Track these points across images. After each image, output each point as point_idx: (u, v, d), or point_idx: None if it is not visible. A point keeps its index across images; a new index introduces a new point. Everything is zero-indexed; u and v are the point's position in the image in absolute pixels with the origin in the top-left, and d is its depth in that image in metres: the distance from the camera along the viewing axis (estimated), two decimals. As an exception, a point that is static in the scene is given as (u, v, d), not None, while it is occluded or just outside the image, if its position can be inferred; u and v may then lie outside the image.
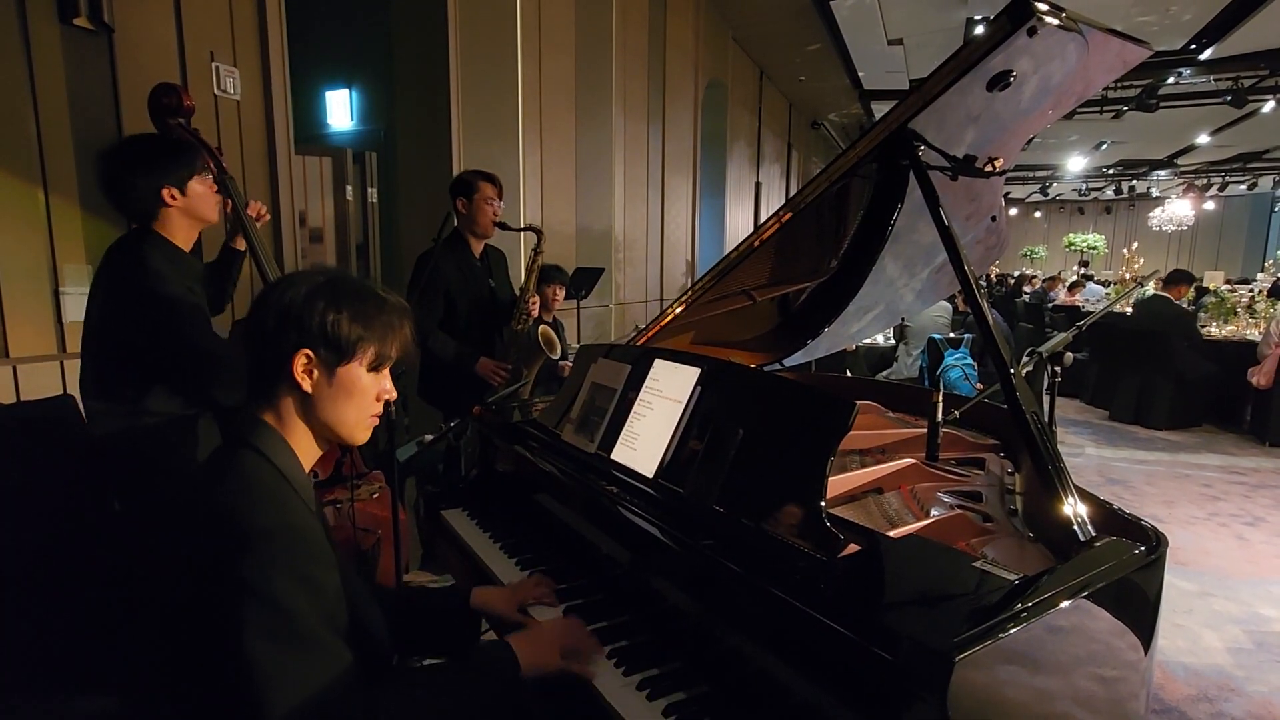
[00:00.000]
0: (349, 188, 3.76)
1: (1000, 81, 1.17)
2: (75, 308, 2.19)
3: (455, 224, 2.62)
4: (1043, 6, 1.07)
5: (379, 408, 0.99)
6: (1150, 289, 5.89)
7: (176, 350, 1.59)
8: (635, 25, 5.37)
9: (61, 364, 2.16)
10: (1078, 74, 1.33)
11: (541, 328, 2.68)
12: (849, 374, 4.34)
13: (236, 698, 0.80)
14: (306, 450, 0.96)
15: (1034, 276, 13.17)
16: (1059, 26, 1.10)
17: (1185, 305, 5.77)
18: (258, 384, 0.93)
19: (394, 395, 1.00)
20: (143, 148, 1.63)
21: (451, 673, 0.99)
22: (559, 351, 2.75)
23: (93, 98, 2.21)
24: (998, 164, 1.25)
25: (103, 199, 1.63)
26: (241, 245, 1.96)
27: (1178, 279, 5.70)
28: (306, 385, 0.91)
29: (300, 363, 0.90)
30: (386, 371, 0.98)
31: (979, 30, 6.70)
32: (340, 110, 4.42)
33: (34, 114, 2.06)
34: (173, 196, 1.62)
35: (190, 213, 1.66)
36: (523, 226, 2.77)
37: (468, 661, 1.02)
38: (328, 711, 0.79)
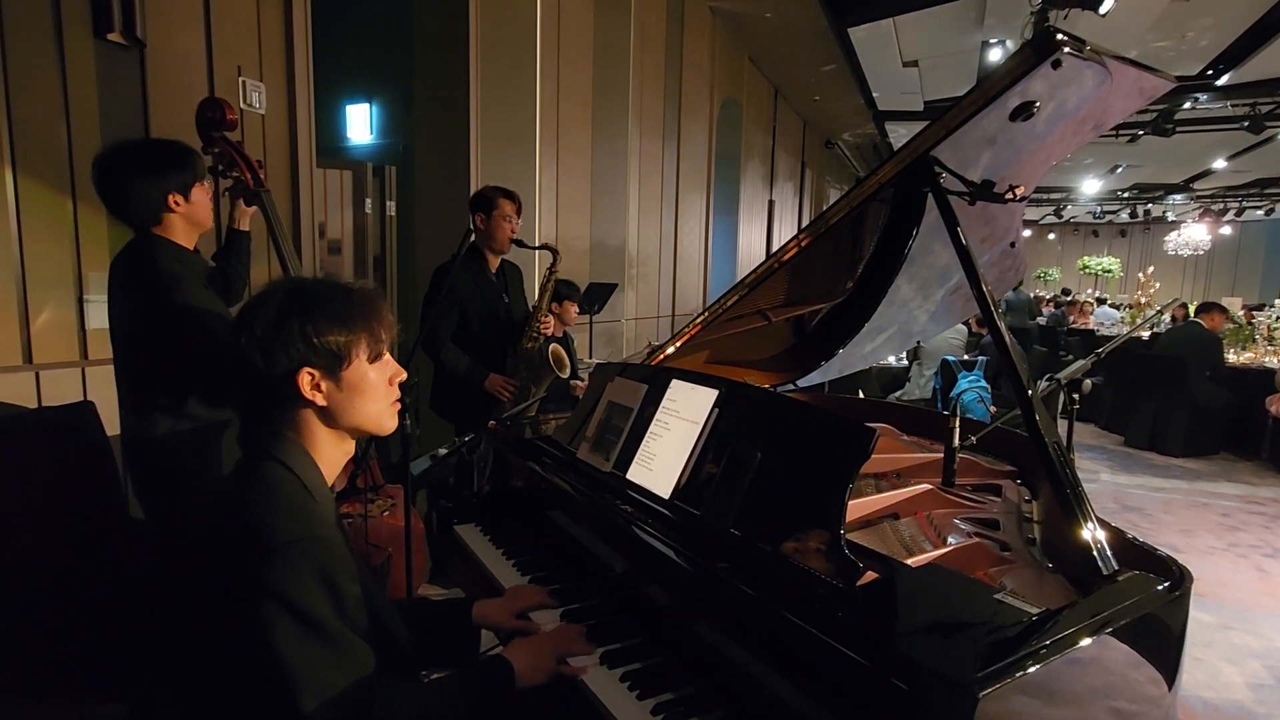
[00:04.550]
0: (368, 201, 3.81)
1: (1024, 112, 1.18)
2: (99, 315, 2.22)
3: (473, 239, 2.64)
4: (1064, 39, 1.08)
5: (396, 391, 1.00)
6: (1167, 317, 5.87)
7: (201, 356, 1.60)
8: (652, 44, 5.43)
9: (83, 370, 2.19)
10: (1095, 102, 1.34)
11: (552, 346, 2.69)
12: (861, 394, 4.32)
13: (260, 699, 0.83)
14: (330, 458, 0.98)
15: (1049, 299, 13.10)
16: (1080, 58, 1.10)
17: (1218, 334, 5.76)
18: (272, 411, 0.93)
19: (404, 375, 1.01)
20: (148, 152, 1.62)
21: (448, 680, 1.00)
22: (568, 371, 2.76)
23: (123, 110, 2.25)
24: (1018, 191, 1.26)
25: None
26: (244, 225, 1.95)
27: (1209, 308, 5.73)
28: (320, 400, 0.92)
29: (305, 382, 0.90)
30: (388, 355, 0.99)
31: (998, 56, 6.74)
32: (360, 124, 4.49)
33: (66, 125, 2.11)
34: (177, 203, 1.61)
35: (191, 218, 1.65)
36: (538, 245, 2.79)
37: (464, 672, 1.03)
38: (354, 705, 0.82)
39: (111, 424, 1.85)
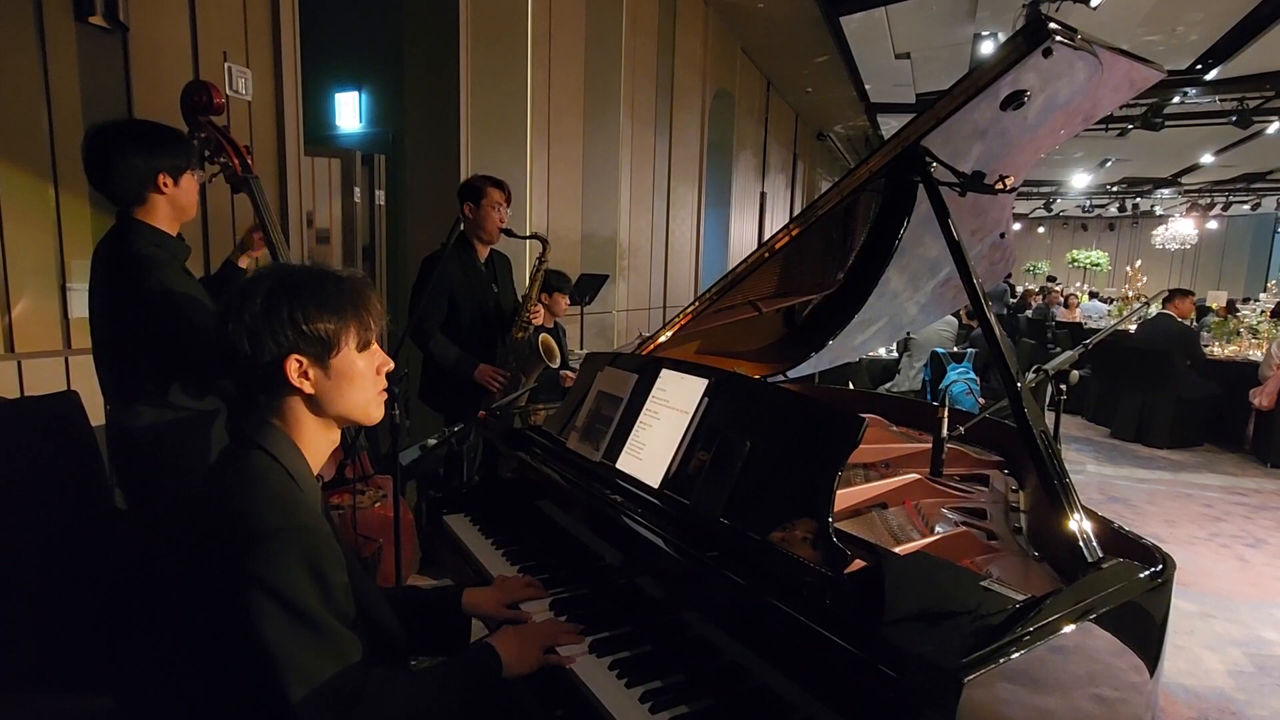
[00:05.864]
0: (357, 189, 3.77)
1: (1015, 101, 1.18)
2: (81, 304, 2.18)
3: (462, 228, 2.62)
4: (1056, 27, 1.08)
5: (383, 381, 1.00)
6: (1155, 309, 5.91)
7: (181, 342, 1.58)
8: (645, 34, 5.40)
9: (66, 360, 2.16)
10: (1086, 93, 1.34)
11: (542, 336, 2.68)
12: (851, 386, 4.33)
13: (247, 689, 0.82)
14: (316, 447, 0.97)
15: (1036, 291, 13.21)
16: (1072, 47, 1.10)
17: (1189, 323, 5.78)
18: (258, 398, 0.93)
19: (391, 365, 1.01)
20: (146, 130, 1.62)
21: (436, 669, 1.01)
22: (558, 360, 2.75)
23: (106, 96, 2.21)
24: (1008, 181, 1.26)
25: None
26: (245, 264, 1.93)
27: (1173, 297, 5.73)
28: (307, 388, 0.92)
29: (293, 368, 0.90)
30: (376, 345, 0.99)
31: (990, 49, 6.74)
32: (350, 112, 4.43)
33: (47, 111, 2.07)
34: (166, 184, 1.59)
35: (176, 204, 1.63)
36: (528, 235, 2.78)
37: (452, 661, 1.03)
38: (342, 693, 0.82)
39: (96, 414, 1.83)
